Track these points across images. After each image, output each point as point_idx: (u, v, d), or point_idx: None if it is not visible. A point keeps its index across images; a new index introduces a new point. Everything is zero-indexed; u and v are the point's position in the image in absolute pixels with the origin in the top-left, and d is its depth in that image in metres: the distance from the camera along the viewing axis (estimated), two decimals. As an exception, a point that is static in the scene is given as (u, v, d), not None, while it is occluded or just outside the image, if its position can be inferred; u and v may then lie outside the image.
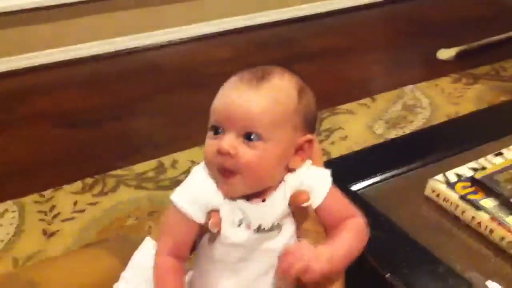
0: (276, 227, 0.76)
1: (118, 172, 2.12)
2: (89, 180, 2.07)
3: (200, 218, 0.75)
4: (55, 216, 1.90)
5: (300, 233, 0.78)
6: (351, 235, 0.77)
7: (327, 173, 0.79)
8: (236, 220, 0.74)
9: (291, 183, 0.77)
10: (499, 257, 1.06)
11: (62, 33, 2.90)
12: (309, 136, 0.78)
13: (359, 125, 2.43)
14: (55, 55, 2.90)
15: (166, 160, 2.19)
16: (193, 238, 0.77)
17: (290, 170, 0.77)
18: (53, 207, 1.94)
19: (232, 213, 0.74)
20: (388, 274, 1.03)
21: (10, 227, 1.84)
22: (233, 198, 0.75)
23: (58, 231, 1.84)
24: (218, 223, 0.74)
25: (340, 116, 2.49)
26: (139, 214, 1.91)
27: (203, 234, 0.77)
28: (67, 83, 2.79)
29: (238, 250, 0.75)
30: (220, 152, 0.72)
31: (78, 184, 2.05)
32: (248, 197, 0.75)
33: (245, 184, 0.73)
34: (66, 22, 2.89)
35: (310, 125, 0.78)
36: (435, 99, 2.65)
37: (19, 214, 1.90)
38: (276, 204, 0.76)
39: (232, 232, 0.74)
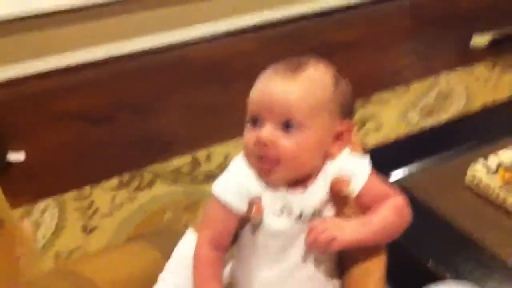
0: (317, 215, 0.76)
1: (154, 167, 2.14)
2: (125, 176, 2.10)
3: (241, 208, 0.75)
4: (94, 212, 1.93)
5: (341, 218, 0.78)
6: (388, 209, 0.77)
7: (366, 160, 0.79)
8: (277, 208, 0.75)
9: (331, 170, 0.77)
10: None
11: (89, 34, 2.93)
12: (347, 124, 0.78)
13: (392, 115, 2.41)
14: (83, 56, 2.94)
15: (200, 154, 2.20)
16: (233, 229, 0.77)
17: (329, 157, 0.78)
18: (91, 203, 1.97)
19: (273, 201, 0.75)
20: (430, 262, 1.02)
21: (51, 224, 1.88)
22: (274, 187, 0.75)
23: (97, 226, 1.86)
24: (261, 211, 0.75)
25: (373, 106, 2.47)
26: (175, 208, 1.92)
27: (244, 225, 0.78)
28: (97, 83, 2.82)
29: (280, 239, 0.75)
30: (259, 143, 0.73)
31: (115, 180, 2.08)
32: (288, 186, 0.76)
33: (285, 173, 0.74)
34: (92, 23, 2.92)
35: (348, 113, 0.79)
36: (470, 87, 2.61)
37: (59, 211, 1.94)
38: (317, 191, 0.76)
39: (274, 220, 0.75)
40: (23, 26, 2.75)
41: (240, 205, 0.75)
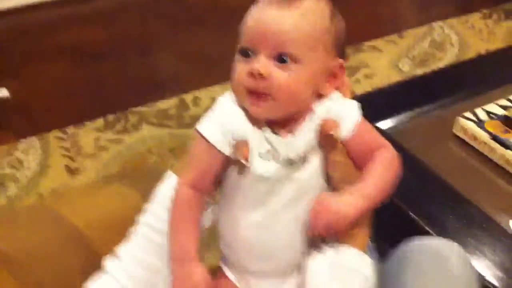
0: (304, 158, 0.74)
1: (140, 108, 2.10)
2: (111, 117, 2.06)
3: (226, 149, 0.73)
4: (78, 153, 1.91)
5: (329, 165, 0.76)
6: (382, 166, 0.75)
7: (356, 104, 0.77)
8: (263, 151, 0.73)
9: (319, 113, 0.75)
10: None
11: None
12: (340, 61, 0.76)
13: (385, 63, 2.37)
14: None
15: (188, 97, 2.17)
16: (217, 171, 0.76)
17: (320, 97, 0.76)
18: (75, 143, 1.94)
19: (259, 144, 0.73)
20: (413, 214, 1.02)
21: (34, 163, 1.85)
22: (260, 129, 0.74)
23: (81, 167, 1.84)
24: (247, 153, 0.73)
25: (366, 53, 2.43)
26: (161, 151, 1.90)
27: (227, 168, 0.76)
28: (88, 17, 2.74)
29: (265, 182, 0.74)
30: (252, 75, 0.71)
31: (100, 121, 2.04)
32: (275, 128, 0.74)
33: (276, 107, 0.72)
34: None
35: (341, 50, 0.77)
36: (464, 36, 2.56)
37: (43, 150, 1.91)
38: (304, 135, 0.75)
39: (260, 163, 0.73)
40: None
41: (224, 146, 0.73)
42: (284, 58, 0.71)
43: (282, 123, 0.74)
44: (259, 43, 0.71)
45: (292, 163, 0.74)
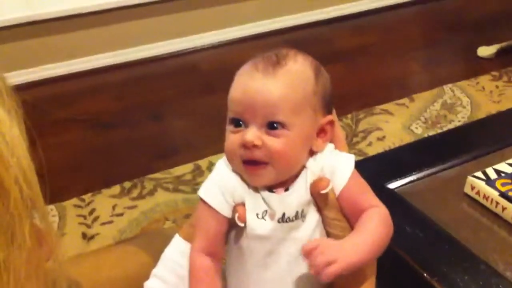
0: (300, 216, 0.74)
1: (156, 175, 2.14)
2: (127, 184, 2.09)
3: (226, 211, 0.74)
4: (94, 220, 1.93)
5: (325, 222, 0.76)
6: (376, 222, 0.74)
7: (350, 156, 0.77)
8: (260, 211, 0.73)
9: (313, 168, 0.75)
10: (541, 255, 1.03)
11: (96, 41, 2.94)
12: (330, 117, 0.77)
13: (397, 126, 2.40)
14: (90, 63, 2.94)
15: (203, 162, 2.20)
16: (224, 233, 0.76)
17: (313, 153, 0.76)
18: (92, 210, 1.97)
19: (256, 204, 0.74)
20: (426, 274, 1.01)
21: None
22: (256, 190, 0.74)
23: (97, 234, 1.86)
24: (244, 216, 0.73)
25: (378, 116, 2.46)
26: (176, 216, 1.92)
27: (231, 231, 0.76)
28: (101, 89, 2.82)
29: (265, 242, 0.74)
30: (245, 145, 0.71)
31: (116, 188, 2.07)
32: (271, 188, 0.74)
33: (275, 173, 0.72)
34: (100, 29, 2.94)
35: (329, 105, 0.77)
36: (475, 98, 2.59)
37: (60, 218, 1.94)
38: (299, 191, 0.74)
39: (257, 223, 0.73)
40: (29, 32, 2.76)
41: (225, 208, 0.74)
42: (275, 125, 0.71)
43: (278, 182, 0.74)
44: (248, 115, 0.72)
45: (289, 221, 0.73)
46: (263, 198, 0.74)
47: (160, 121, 2.51)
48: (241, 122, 0.73)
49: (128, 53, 3.01)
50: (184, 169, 2.17)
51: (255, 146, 0.71)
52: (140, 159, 2.27)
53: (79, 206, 1.99)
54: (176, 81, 2.87)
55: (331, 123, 0.77)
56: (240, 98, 0.73)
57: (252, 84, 0.73)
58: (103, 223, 1.91)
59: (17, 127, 0.49)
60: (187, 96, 2.70)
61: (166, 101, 2.67)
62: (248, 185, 0.74)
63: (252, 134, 0.71)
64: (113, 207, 1.98)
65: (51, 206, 1.97)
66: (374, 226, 0.74)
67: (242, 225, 0.73)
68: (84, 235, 1.86)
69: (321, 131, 0.76)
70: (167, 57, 3.08)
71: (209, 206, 0.75)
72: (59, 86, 2.82)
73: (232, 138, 0.74)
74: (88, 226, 1.90)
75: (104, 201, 2.01)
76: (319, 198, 0.75)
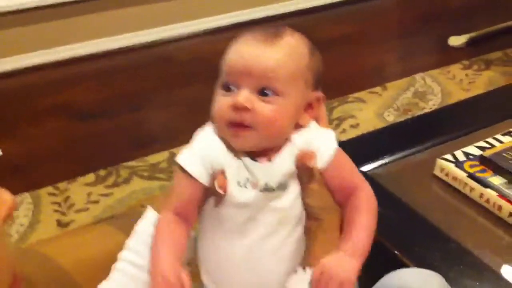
0: (282, 187, 0.76)
1: (131, 163, 2.13)
2: (102, 172, 2.09)
3: (205, 179, 0.75)
4: (69, 207, 1.92)
5: (305, 193, 0.78)
6: (365, 215, 0.77)
7: (332, 134, 0.80)
8: (242, 179, 0.75)
9: (297, 142, 0.77)
10: (507, 233, 1.06)
11: (75, 30, 2.91)
12: (319, 93, 0.79)
13: (370, 113, 2.43)
14: (68, 52, 2.92)
15: (179, 151, 2.19)
16: (198, 200, 0.77)
17: (298, 127, 0.78)
18: (67, 198, 1.96)
19: (238, 172, 0.75)
20: (399, 253, 1.03)
21: (26, 218, 1.87)
22: (239, 157, 0.75)
23: (72, 221, 1.86)
24: (224, 184, 0.74)
25: (351, 104, 2.49)
26: (152, 204, 1.92)
27: (208, 197, 0.77)
28: (80, 78, 2.80)
29: (245, 210, 0.75)
30: (236, 107, 0.72)
31: (91, 176, 2.07)
32: (254, 157, 0.76)
33: (259, 139, 0.74)
34: (79, 19, 2.91)
35: (319, 83, 0.80)
36: (446, 86, 2.63)
37: (35, 205, 1.93)
38: (283, 163, 0.76)
39: (238, 191, 0.75)
40: (7, 21, 2.72)
41: (204, 176, 0.75)
42: (267, 92, 0.73)
43: (261, 152, 0.76)
44: (243, 79, 0.73)
45: (271, 191, 0.75)
46: (245, 166, 0.75)
47: (139, 111, 2.50)
48: (232, 88, 0.74)
49: (106, 42, 2.99)
50: (159, 157, 2.17)
51: (245, 108, 0.72)
52: (119, 148, 2.26)
53: (54, 194, 1.98)
54: (154, 71, 2.85)
55: (319, 99, 0.80)
56: (236, 62, 0.74)
57: (251, 50, 0.74)
58: (78, 210, 1.90)
59: None
60: (165, 86, 2.70)
61: (144, 91, 2.65)
62: (231, 152, 0.75)
63: (244, 96, 0.73)
64: (88, 195, 1.98)
65: (26, 194, 1.96)
66: (365, 220, 0.77)
67: (222, 193, 0.74)
68: (59, 222, 1.85)
69: (308, 107, 0.78)
70: (146, 47, 3.06)
71: (187, 173, 0.75)
72: (38, 76, 2.79)
73: (222, 100, 0.75)
74: (63, 214, 1.89)
75: (79, 189, 2.01)
76: (304, 171, 0.77)
